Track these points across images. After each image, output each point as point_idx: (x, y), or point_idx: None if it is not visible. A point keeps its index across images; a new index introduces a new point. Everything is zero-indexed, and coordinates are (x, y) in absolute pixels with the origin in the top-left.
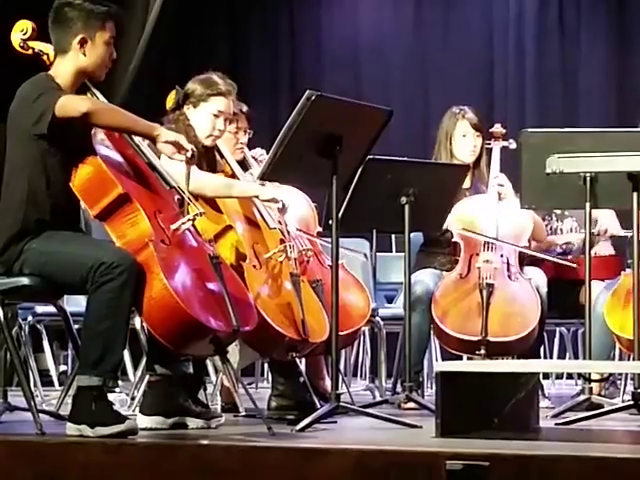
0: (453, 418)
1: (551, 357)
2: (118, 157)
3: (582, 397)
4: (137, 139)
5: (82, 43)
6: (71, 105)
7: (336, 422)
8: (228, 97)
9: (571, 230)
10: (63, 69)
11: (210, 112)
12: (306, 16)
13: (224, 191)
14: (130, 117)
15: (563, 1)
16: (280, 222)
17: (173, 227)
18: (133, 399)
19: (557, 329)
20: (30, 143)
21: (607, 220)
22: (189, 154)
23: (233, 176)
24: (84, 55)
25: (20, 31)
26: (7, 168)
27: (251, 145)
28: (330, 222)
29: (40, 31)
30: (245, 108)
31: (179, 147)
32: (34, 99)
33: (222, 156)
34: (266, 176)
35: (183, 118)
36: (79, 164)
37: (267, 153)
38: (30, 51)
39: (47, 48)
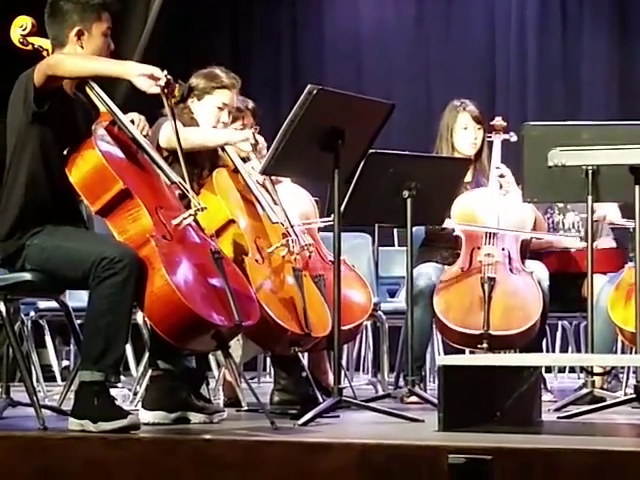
0: (455, 412)
1: (553, 351)
2: (119, 152)
3: (584, 390)
4: (138, 135)
5: (79, 35)
6: (43, 66)
7: (339, 416)
8: (232, 90)
9: (573, 225)
10: None
11: (214, 105)
12: (308, 9)
13: (190, 144)
14: (99, 61)
15: None
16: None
17: (174, 222)
18: (135, 394)
19: (559, 322)
20: (27, 132)
21: (606, 207)
22: (162, 82)
23: (235, 171)
24: (81, 47)
25: (19, 27)
26: (8, 159)
27: None
28: (332, 216)
29: (40, 27)
30: (251, 104)
31: (154, 79)
32: (24, 88)
33: (223, 149)
34: (268, 170)
35: (187, 111)
36: (79, 159)
37: (269, 147)
38: (30, 47)
39: (46, 44)
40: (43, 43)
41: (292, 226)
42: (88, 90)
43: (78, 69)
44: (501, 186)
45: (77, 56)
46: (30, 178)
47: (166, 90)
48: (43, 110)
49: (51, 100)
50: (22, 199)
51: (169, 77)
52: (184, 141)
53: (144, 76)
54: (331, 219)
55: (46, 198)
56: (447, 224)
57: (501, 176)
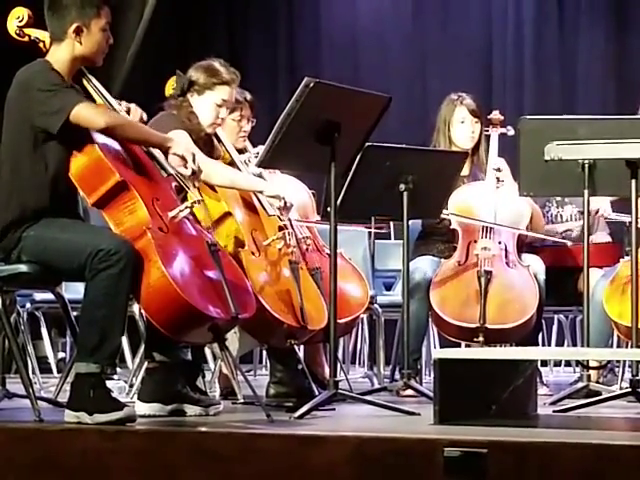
0: (451, 405)
1: (549, 344)
2: (115, 145)
3: (580, 384)
4: None
5: (77, 32)
6: (88, 117)
7: (334, 409)
8: (232, 86)
9: (571, 217)
10: (60, 56)
11: (214, 101)
12: (304, 1)
13: (230, 182)
14: (145, 130)
15: None
16: (281, 216)
17: (171, 214)
18: (131, 386)
19: (555, 316)
20: (30, 130)
21: (598, 201)
22: (189, 171)
23: (232, 163)
24: (80, 43)
25: (16, 18)
26: (3, 153)
27: (252, 133)
28: (328, 209)
29: (36, 18)
30: (249, 96)
31: (185, 161)
32: (44, 90)
33: (220, 141)
34: (265, 163)
35: (187, 105)
36: (76, 152)
37: (265, 140)
38: (26, 38)
39: (43, 35)
40: (40, 35)
41: (289, 219)
42: (85, 82)
43: (129, 136)
44: (498, 180)
45: (129, 124)
46: (29, 180)
47: (191, 177)
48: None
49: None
50: (20, 201)
51: (197, 169)
52: (218, 181)
53: (177, 156)
54: (326, 221)
55: (44, 198)
56: (444, 215)
57: (497, 170)
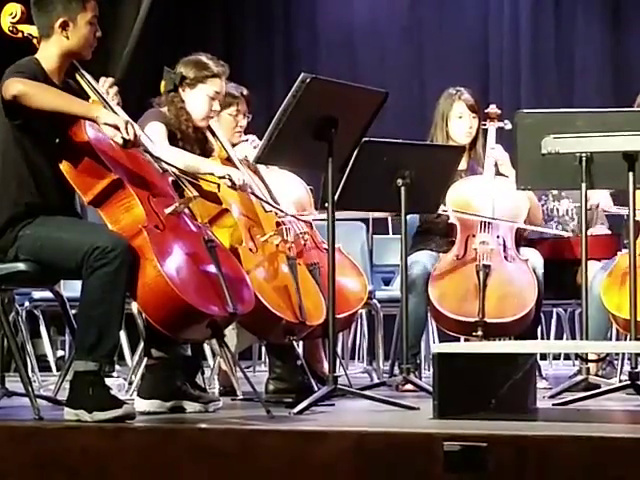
0: (450, 399)
1: (548, 338)
2: (110, 141)
3: (579, 377)
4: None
5: (64, 26)
6: (6, 87)
7: (334, 405)
8: (222, 78)
9: (567, 212)
10: (48, 53)
11: (207, 94)
12: None
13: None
14: (65, 98)
15: None
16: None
17: (167, 211)
18: (131, 384)
19: (554, 310)
20: (7, 127)
21: (598, 195)
22: (119, 138)
23: (228, 159)
24: (67, 38)
25: (9, 14)
26: None
27: (249, 128)
28: (326, 205)
29: (30, 14)
30: (245, 91)
31: (118, 130)
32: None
33: (215, 136)
34: (262, 159)
35: (177, 100)
36: (71, 149)
37: (262, 137)
38: (20, 35)
39: (36, 31)
40: (33, 31)
41: (286, 214)
42: (78, 77)
43: (44, 104)
44: (496, 167)
45: (45, 90)
46: (16, 178)
47: (127, 145)
48: (17, 122)
49: (25, 114)
50: (11, 199)
51: (130, 138)
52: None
53: (108, 126)
54: (324, 216)
55: (33, 192)
56: (442, 211)
57: (495, 154)
